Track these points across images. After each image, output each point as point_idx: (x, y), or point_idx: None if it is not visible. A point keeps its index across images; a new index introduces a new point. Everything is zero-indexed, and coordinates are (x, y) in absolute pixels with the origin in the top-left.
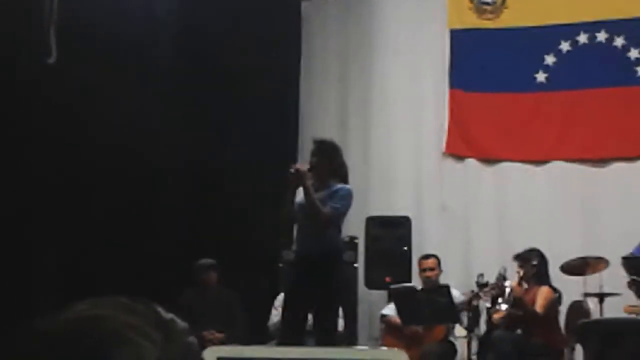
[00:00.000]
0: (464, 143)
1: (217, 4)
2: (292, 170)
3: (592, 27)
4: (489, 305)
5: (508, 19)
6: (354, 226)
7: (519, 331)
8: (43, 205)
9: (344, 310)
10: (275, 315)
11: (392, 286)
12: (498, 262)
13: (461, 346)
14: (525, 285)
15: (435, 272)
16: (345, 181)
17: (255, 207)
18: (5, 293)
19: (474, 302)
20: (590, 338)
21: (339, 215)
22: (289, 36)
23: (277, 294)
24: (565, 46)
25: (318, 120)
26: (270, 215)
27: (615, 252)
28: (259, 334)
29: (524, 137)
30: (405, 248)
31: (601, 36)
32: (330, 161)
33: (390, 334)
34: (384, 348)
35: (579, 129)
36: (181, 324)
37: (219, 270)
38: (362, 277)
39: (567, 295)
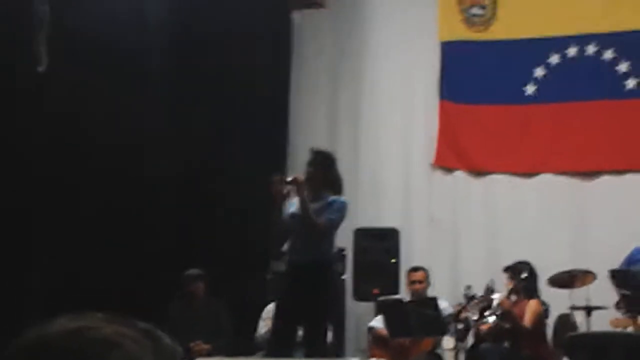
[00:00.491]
0: (453, 155)
1: (208, 12)
2: (289, 179)
3: (581, 40)
4: (476, 317)
5: (498, 31)
6: (342, 238)
7: (506, 344)
8: (35, 211)
9: (332, 322)
10: (263, 327)
11: (380, 298)
12: (486, 274)
13: (448, 358)
14: (514, 298)
15: (424, 284)
16: (340, 193)
17: (244, 217)
18: None
19: (463, 314)
20: (577, 351)
21: (334, 227)
22: (280, 46)
23: (265, 305)
24: (554, 59)
25: (308, 131)
26: (258, 225)
27: (602, 265)
28: (246, 346)
29: (513, 150)
30: (394, 260)
31: (590, 49)
32: (325, 172)
33: (378, 346)
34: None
35: (568, 142)
36: (162, 333)
37: (206, 281)
38: (350, 289)
39: (555, 308)
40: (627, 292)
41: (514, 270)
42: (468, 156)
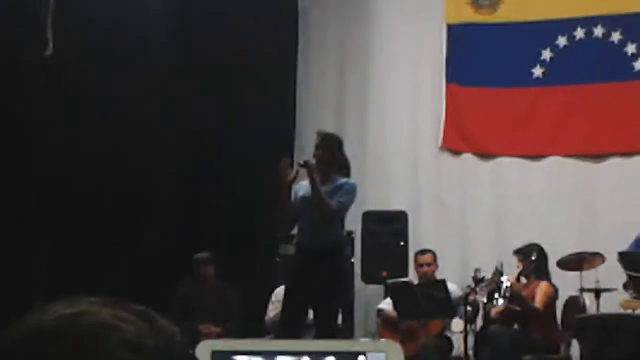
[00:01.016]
0: (460, 138)
1: None
2: (301, 162)
3: (589, 22)
4: (485, 300)
5: (505, 14)
6: (350, 221)
7: (515, 326)
8: (39, 198)
9: (342, 305)
10: (272, 309)
11: (389, 281)
12: (495, 257)
13: (457, 341)
14: (524, 280)
15: (432, 267)
16: (348, 175)
17: (252, 200)
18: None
19: (471, 297)
20: (586, 333)
21: (345, 209)
22: (287, 30)
23: (275, 288)
24: (562, 41)
25: (314, 115)
26: (266, 209)
27: (611, 247)
28: (255, 328)
29: (521, 132)
30: (402, 243)
31: (598, 31)
32: (334, 155)
33: (387, 328)
34: (381, 340)
35: (576, 124)
36: (157, 314)
37: (216, 264)
38: (359, 272)
39: (563, 290)
40: (635, 274)
41: (524, 252)
42: (475, 139)
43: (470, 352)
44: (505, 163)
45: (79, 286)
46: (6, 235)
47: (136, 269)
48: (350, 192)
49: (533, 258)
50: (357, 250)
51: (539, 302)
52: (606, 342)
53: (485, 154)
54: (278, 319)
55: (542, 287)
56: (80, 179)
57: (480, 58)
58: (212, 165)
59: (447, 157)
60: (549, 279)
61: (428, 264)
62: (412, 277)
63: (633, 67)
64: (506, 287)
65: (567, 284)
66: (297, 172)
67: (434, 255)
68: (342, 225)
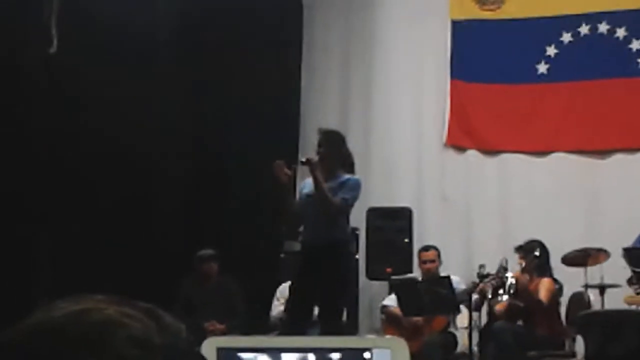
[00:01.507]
0: (465, 134)
1: None
2: (302, 160)
3: (593, 19)
4: (489, 296)
5: (509, 10)
6: (355, 217)
7: (519, 322)
8: (41, 195)
9: (346, 302)
10: (277, 306)
11: (393, 277)
12: (499, 253)
13: (462, 337)
14: (526, 277)
15: (435, 263)
16: (352, 171)
17: (257, 197)
18: (3, 289)
19: (479, 287)
20: (591, 329)
21: (349, 206)
22: (290, 28)
23: (279, 284)
24: (566, 37)
25: (319, 112)
26: (271, 206)
27: (616, 243)
28: (259, 325)
29: (525, 128)
30: (407, 239)
31: (603, 27)
32: (337, 151)
33: (391, 325)
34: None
35: (581, 120)
36: (163, 311)
37: (219, 261)
38: (363, 268)
39: (568, 286)
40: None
41: (525, 249)
42: (480, 135)
43: (475, 349)
44: (510, 159)
45: (82, 285)
46: (9, 236)
47: (140, 267)
48: (355, 188)
49: (535, 254)
50: (361, 246)
51: (542, 298)
52: (611, 338)
53: (489, 150)
54: (283, 315)
55: (545, 284)
56: (83, 178)
57: (485, 54)
58: (217, 164)
59: (452, 154)
60: (551, 275)
61: (431, 261)
62: (417, 273)
63: (638, 64)
64: (510, 283)
65: (571, 280)
66: (294, 170)
67: (438, 251)
68: (347, 222)
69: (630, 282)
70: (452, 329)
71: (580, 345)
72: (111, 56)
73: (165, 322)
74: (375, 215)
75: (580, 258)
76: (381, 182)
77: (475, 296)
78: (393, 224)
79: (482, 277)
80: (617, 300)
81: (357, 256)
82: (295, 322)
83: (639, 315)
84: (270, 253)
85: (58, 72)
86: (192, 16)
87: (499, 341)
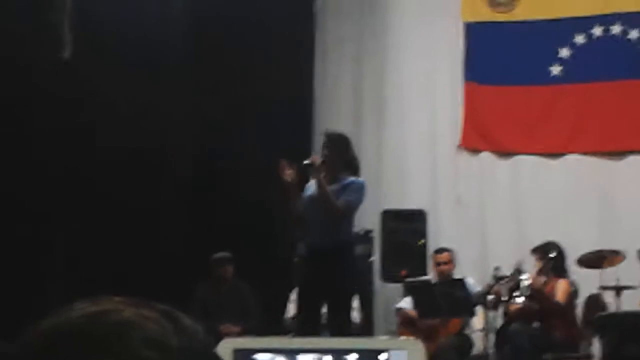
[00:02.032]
0: (479, 136)
1: None
2: (307, 162)
3: (606, 20)
4: (505, 298)
5: (522, 12)
6: (369, 220)
7: (535, 324)
8: (55, 198)
9: (360, 304)
10: (292, 309)
11: (408, 279)
12: (514, 255)
13: (477, 339)
14: (543, 279)
15: (449, 266)
16: (357, 174)
17: (270, 201)
18: (15, 291)
19: (495, 288)
20: (607, 331)
21: (353, 208)
22: (303, 29)
23: (294, 287)
24: (580, 39)
25: (332, 115)
26: (284, 209)
27: (631, 245)
28: (275, 328)
29: (539, 130)
30: (421, 241)
31: (616, 29)
32: (342, 154)
33: (406, 327)
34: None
35: (594, 122)
36: (181, 313)
37: (234, 264)
38: (378, 271)
39: (584, 288)
40: None
41: (542, 250)
42: (494, 137)
43: (491, 351)
44: (524, 161)
45: (95, 289)
46: (24, 240)
47: (154, 270)
48: (358, 190)
49: (551, 256)
50: (376, 249)
51: (559, 300)
52: (627, 340)
53: (503, 153)
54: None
55: (561, 285)
56: (98, 180)
57: (498, 56)
58: (230, 166)
59: (466, 156)
60: (567, 277)
61: (445, 263)
62: (432, 275)
63: None
64: (526, 285)
65: (587, 281)
66: (298, 171)
67: (452, 254)
68: (352, 224)
69: None
70: (467, 331)
71: (596, 347)
72: (124, 60)
73: (182, 324)
74: (390, 217)
75: (595, 260)
76: (395, 185)
77: (490, 298)
78: (408, 227)
79: (497, 279)
80: (632, 301)
81: (372, 258)
82: (306, 325)
83: None
84: (284, 256)
85: (71, 76)
86: (205, 21)
87: (514, 343)
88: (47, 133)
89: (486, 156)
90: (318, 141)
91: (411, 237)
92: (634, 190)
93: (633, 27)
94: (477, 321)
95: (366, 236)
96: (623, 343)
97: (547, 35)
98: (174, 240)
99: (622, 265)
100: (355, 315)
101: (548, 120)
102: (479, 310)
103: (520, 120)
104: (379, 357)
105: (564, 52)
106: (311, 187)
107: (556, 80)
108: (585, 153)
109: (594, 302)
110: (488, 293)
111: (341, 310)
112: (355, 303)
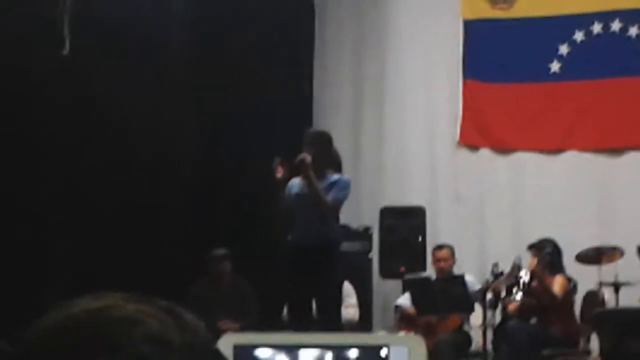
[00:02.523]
0: (478, 133)
1: None
2: (298, 160)
3: (606, 17)
4: (503, 294)
5: (522, 9)
6: (368, 216)
7: (534, 320)
8: (56, 196)
9: (359, 300)
10: None
11: (407, 276)
12: (513, 252)
13: (476, 336)
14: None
15: (449, 262)
16: (340, 171)
17: (269, 198)
18: (16, 290)
19: (494, 285)
20: (606, 328)
21: (340, 204)
22: (303, 27)
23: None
24: (579, 36)
25: (332, 111)
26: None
27: (630, 241)
28: (273, 325)
29: (538, 127)
30: (420, 238)
31: (615, 26)
32: (326, 152)
33: (405, 323)
34: (402, 333)
35: (594, 119)
36: (182, 309)
37: (232, 260)
38: (377, 267)
39: (583, 284)
40: None
41: (537, 247)
42: (493, 134)
43: (489, 347)
44: (523, 158)
45: (94, 287)
46: (22, 240)
47: (152, 266)
48: (345, 188)
49: (547, 252)
50: (375, 245)
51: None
52: (626, 336)
53: (502, 149)
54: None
55: (558, 281)
56: (97, 176)
57: (497, 53)
58: (229, 163)
59: (465, 153)
60: (563, 273)
61: (445, 259)
62: (430, 272)
63: None
64: (524, 281)
65: (586, 278)
66: (288, 169)
67: (452, 250)
68: (338, 220)
69: None
70: (466, 328)
71: (594, 343)
72: (123, 58)
73: (184, 319)
74: (389, 214)
75: (594, 256)
76: (394, 181)
77: (489, 295)
78: (406, 223)
79: (496, 275)
80: (631, 298)
81: (370, 255)
82: (297, 321)
83: None
84: (283, 253)
85: (70, 73)
86: (205, 17)
87: (513, 340)
88: (46, 131)
89: (485, 153)
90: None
91: (410, 234)
92: (633, 186)
93: (632, 24)
94: (476, 318)
95: (365, 233)
96: (622, 339)
97: (546, 32)
98: (174, 238)
99: (620, 262)
100: (354, 312)
101: (547, 117)
102: (478, 307)
103: (519, 116)
104: (380, 352)
105: (563, 49)
106: (295, 185)
107: (555, 77)
108: (584, 150)
109: (593, 298)
110: (487, 290)
111: (330, 307)
112: (354, 300)
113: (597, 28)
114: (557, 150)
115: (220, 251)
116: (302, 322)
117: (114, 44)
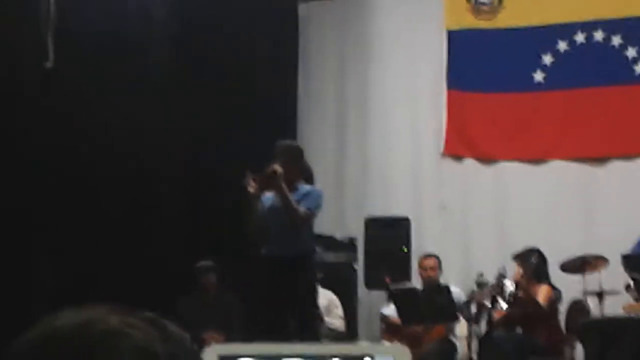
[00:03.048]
0: (462, 143)
1: (213, 5)
2: (269, 171)
3: (589, 27)
4: (488, 304)
5: (505, 19)
6: (353, 227)
7: (519, 330)
8: (41, 208)
9: (344, 311)
10: None
11: (392, 286)
12: (498, 261)
13: (461, 346)
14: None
15: (435, 271)
16: (312, 182)
17: (243, 211)
18: (1, 304)
19: (478, 298)
20: (590, 337)
21: (313, 216)
22: (287, 38)
23: None
24: (562, 46)
25: (316, 122)
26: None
27: (614, 250)
28: (258, 337)
29: (523, 137)
30: (405, 248)
31: (598, 35)
32: (297, 164)
33: (390, 333)
34: (387, 343)
35: (578, 128)
36: (166, 320)
37: (218, 272)
38: (362, 278)
39: (567, 293)
40: (638, 277)
41: (522, 257)
42: (477, 144)
43: (474, 357)
44: (508, 168)
45: (81, 295)
46: (8, 247)
47: (138, 279)
48: (317, 199)
49: (532, 262)
50: (360, 256)
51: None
52: (610, 346)
53: (487, 159)
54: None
55: (543, 291)
56: (81, 189)
57: (481, 63)
58: (213, 173)
59: (449, 163)
60: (549, 282)
61: (432, 268)
62: (415, 282)
63: (634, 71)
64: (510, 291)
65: (570, 287)
66: (260, 182)
67: (439, 260)
68: (312, 232)
69: (627, 288)
70: (451, 338)
71: (579, 352)
72: (108, 66)
73: (168, 331)
74: (374, 224)
75: (579, 265)
76: (379, 192)
77: (474, 311)
78: (391, 233)
79: (480, 285)
80: (615, 307)
81: (355, 266)
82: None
83: (638, 323)
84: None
85: (55, 85)
86: (189, 25)
87: (498, 350)
88: (31, 144)
89: (469, 163)
90: (302, 147)
91: (395, 244)
92: (617, 196)
93: (615, 33)
94: (461, 328)
95: (350, 243)
96: (606, 348)
97: (530, 42)
98: (160, 250)
99: (605, 271)
100: (340, 323)
101: (531, 127)
102: (462, 319)
103: (504, 127)
104: None
105: (547, 59)
106: (268, 199)
107: (539, 87)
108: (568, 159)
109: (578, 307)
110: (471, 301)
111: (308, 317)
112: (340, 310)
113: (580, 38)
114: (541, 160)
115: (206, 263)
116: (279, 335)
117: (98, 55)
